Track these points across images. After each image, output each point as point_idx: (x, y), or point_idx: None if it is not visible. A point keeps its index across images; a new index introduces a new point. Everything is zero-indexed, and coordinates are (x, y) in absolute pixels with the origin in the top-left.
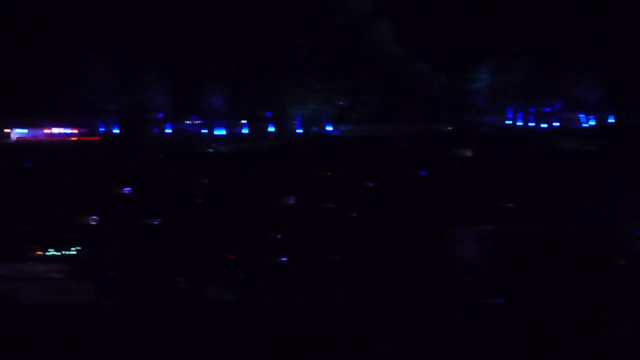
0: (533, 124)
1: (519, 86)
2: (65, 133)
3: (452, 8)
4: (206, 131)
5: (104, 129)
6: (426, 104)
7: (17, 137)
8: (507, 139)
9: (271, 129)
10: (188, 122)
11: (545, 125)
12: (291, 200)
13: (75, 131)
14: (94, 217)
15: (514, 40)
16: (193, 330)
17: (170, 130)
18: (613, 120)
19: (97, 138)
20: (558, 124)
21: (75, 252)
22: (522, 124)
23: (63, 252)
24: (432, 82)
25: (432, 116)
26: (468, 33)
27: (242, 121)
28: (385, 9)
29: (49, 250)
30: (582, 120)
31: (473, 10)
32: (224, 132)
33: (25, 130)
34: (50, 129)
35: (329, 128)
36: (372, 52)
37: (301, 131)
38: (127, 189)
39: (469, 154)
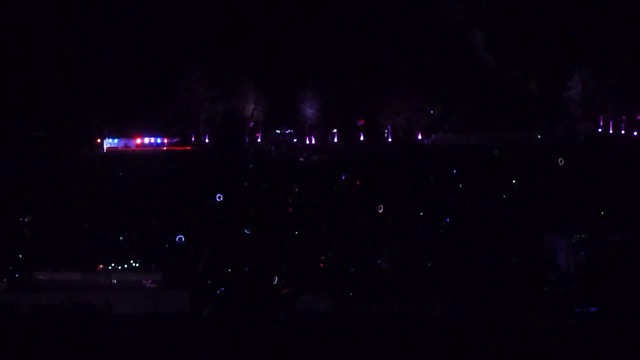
0: (624, 132)
1: (611, 94)
2: (156, 143)
3: (545, 17)
4: (296, 141)
5: (194, 139)
6: (519, 112)
7: (109, 147)
8: (599, 147)
9: (362, 138)
10: (278, 131)
11: (637, 133)
12: (383, 209)
13: (166, 141)
14: (187, 226)
15: (605, 49)
16: (287, 338)
17: (260, 140)
18: None
19: (188, 148)
20: None
21: (169, 262)
22: (613, 132)
23: (157, 262)
24: (525, 91)
25: (524, 125)
26: (560, 42)
27: (333, 131)
28: (479, 19)
29: (143, 260)
30: None
31: (565, 20)
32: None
33: (116, 140)
34: (142, 138)
35: (421, 137)
36: (465, 62)
37: (393, 140)
38: (218, 199)
39: (561, 162)
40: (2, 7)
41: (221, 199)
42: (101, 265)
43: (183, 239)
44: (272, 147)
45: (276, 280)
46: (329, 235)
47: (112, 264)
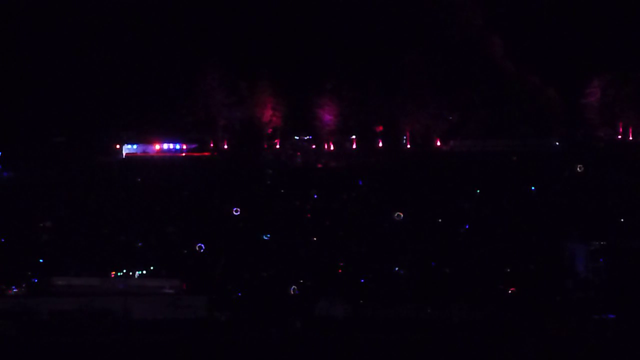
0: None
1: (631, 101)
2: (174, 149)
3: (564, 24)
4: (315, 147)
5: (213, 145)
6: (537, 119)
7: (128, 153)
8: (618, 153)
9: (381, 144)
10: (297, 138)
11: None
12: (400, 216)
13: (185, 147)
14: (206, 231)
15: (625, 55)
16: (304, 344)
17: (279, 146)
18: None
19: (207, 154)
20: None
21: (187, 268)
22: (632, 138)
23: (175, 268)
24: (544, 98)
25: (543, 131)
26: (579, 48)
27: (352, 137)
28: (498, 25)
29: (161, 265)
30: None
31: (584, 26)
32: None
33: (135, 146)
34: (160, 144)
35: (439, 143)
36: (484, 68)
37: (411, 147)
38: (235, 212)
39: (580, 169)
40: (23, 14)
41: (238, 212)
42: (113, 273)
43: (203, 248)
44: (298, 154)
45: (293, 289)
46: (347, 241)
47: (131, 270)
